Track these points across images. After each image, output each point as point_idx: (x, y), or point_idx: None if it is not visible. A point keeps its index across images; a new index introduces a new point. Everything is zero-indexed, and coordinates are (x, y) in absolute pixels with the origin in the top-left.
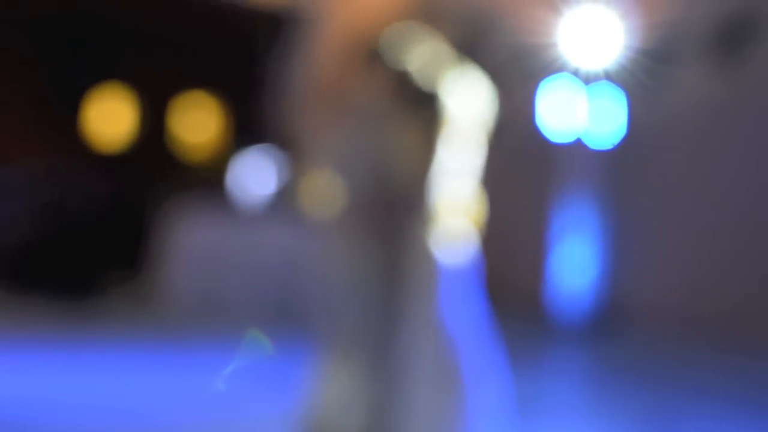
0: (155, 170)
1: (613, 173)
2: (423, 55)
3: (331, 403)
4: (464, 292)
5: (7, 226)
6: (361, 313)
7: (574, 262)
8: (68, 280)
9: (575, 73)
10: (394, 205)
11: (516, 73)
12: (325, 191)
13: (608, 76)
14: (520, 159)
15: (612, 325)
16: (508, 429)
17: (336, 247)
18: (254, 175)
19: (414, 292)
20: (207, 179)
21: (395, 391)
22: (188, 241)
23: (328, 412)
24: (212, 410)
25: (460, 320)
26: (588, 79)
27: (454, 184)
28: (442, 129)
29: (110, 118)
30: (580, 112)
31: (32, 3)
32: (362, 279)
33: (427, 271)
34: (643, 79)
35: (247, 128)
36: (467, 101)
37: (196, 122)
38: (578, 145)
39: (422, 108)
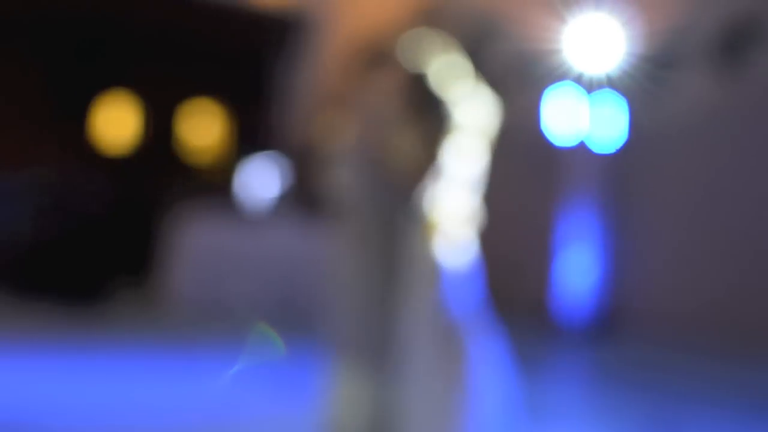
0: (161, 175)
1: (616, 177)
2: (437, 61)
3: (342, 404)
4: (464, 293)
5: (15, 230)
6: (363, 312)
7: (578, 266)
8: (76, 283)
9: (579, 78)
10: (394, 207)
11: (520, 79)
12: (333, 191)
13: (611, 82)
14: (524, 163)
15: (615, 329)
16: (512, 426)
17: (340, 247)
18: (259, 180)
19: (414, 293)
20: (212, 184)
21: (399, 390)
22: (194, 246)
23: (340, 412)
24: (219, 412)
25: (460, 320)
26: (591, 85)
27: (454, 190)
28: (446, 135)
29: (117, 123)
30: (584, 116)
31: (42, 11)
32: (364, 279)
33: (427, 272)
34: (646, 84)
35: (252, 133)
36: (473, 111)
37: (202, 127)
38: (582, 149)
39: (430, 113)
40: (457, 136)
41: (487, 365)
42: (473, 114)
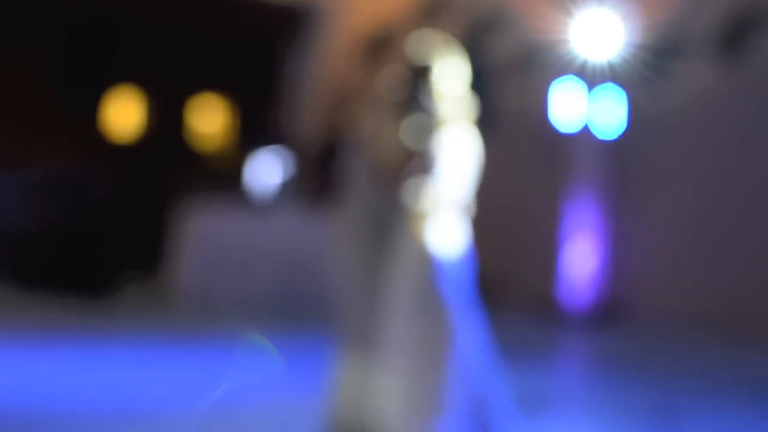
0: (170, 168)
1: (619, 166)
2: (436, 59)
3: (344, 391)
4: (453, 279)
5: (24, 223)
6: (362, 299)
7: (581, 254)
8: (84, 275)
9: (582, 67)
10: (384, 197)
11: (525, 67)
12: (342, 180)
13: (614, 71)
14: (528, 151)
15: (617, 317)
16: (508, 419)
17: (342, 234)
18: (267, 171)
19: (402, 281)
20: (220, 176)
21: (390, 375)
22: (201, 236)
23: (341, 399)
24: (224, 405)
25: (448, 305)
26: (594, 74)
27: (443, 181)
28: (435, 129)
29: (126, 116)
30: (587, 105)
31: (51, 5)
32: (362, 266)
33: (416, 259)
34: (648, 73)
35: (260, 124)
36: (463, 107)
37: (210, 119)
38: (585, 138)
39: (420, 107)
40: (446, 130)
41: (474, 349)
42: (462, 110)
